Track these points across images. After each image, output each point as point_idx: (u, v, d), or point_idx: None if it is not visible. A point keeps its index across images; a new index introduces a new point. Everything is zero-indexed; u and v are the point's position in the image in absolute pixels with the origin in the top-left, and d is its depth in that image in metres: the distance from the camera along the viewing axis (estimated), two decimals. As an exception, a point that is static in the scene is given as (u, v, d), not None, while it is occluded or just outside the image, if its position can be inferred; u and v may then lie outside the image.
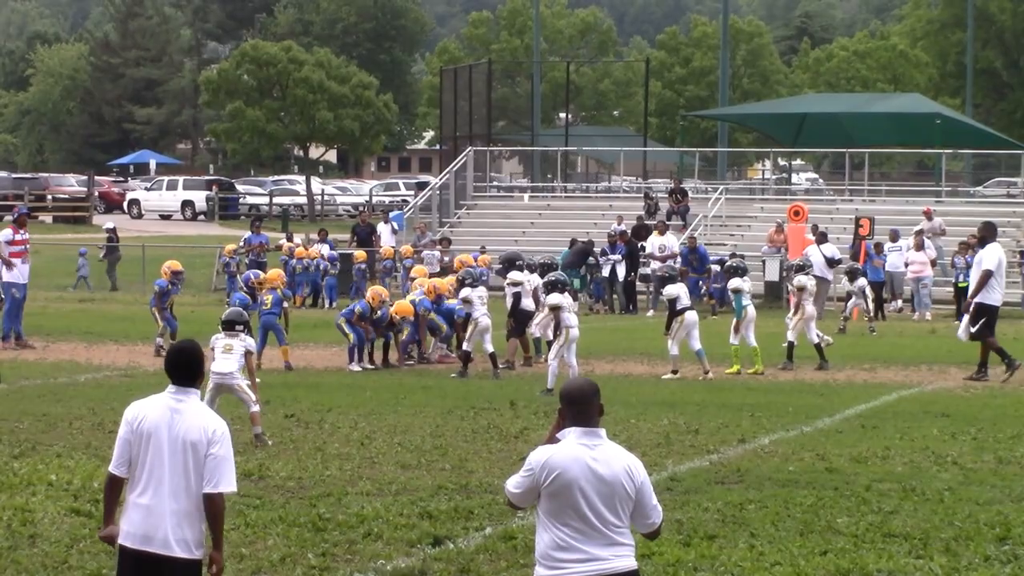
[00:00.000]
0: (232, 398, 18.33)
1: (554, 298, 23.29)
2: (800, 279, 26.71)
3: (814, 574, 11.82)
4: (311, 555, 12.20)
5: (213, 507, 8.40)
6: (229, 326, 18.34)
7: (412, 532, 12.96)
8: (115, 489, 8.56)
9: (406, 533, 12.93)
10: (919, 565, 12.02)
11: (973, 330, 24.53)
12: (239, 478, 15.19)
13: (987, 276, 24.37)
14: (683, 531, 13.04)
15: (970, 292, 25.04)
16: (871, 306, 35.29)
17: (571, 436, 7.78)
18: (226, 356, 18.05)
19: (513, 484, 7.82)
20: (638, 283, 41.19)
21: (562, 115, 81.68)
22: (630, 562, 7.76)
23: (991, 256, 24.62)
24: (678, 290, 25.39)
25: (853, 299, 35.46)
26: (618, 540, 7.73)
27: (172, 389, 8.49)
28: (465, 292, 25.58)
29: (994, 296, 24.74)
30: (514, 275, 26.77)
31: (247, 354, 18.20)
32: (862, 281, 35.24)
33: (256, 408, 17.90)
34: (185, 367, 8.52)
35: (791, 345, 26.42)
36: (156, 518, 8.30)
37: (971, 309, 24.63)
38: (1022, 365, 24.72)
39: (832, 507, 14.08)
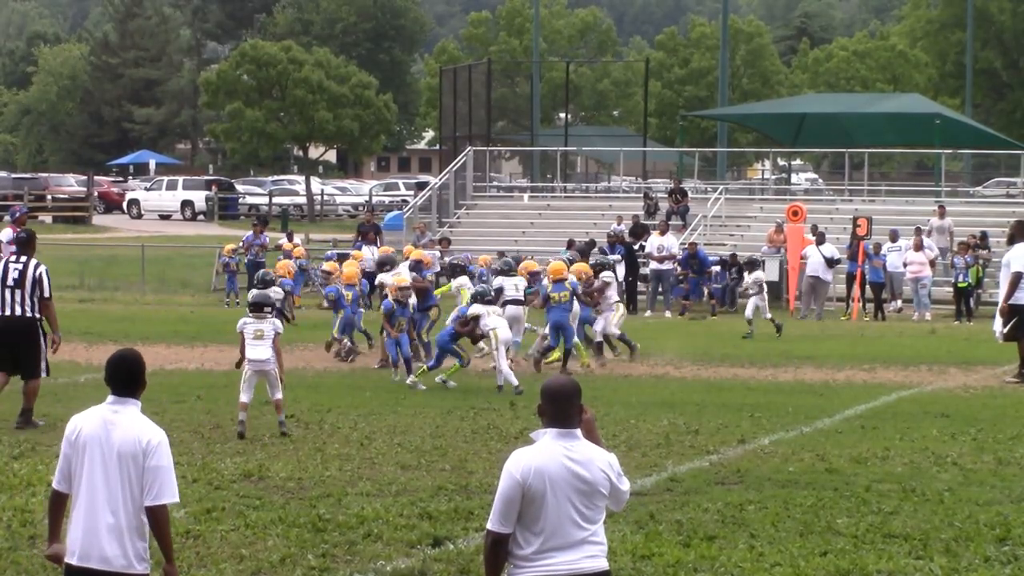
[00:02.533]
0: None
1: (474, 309, 23.86)
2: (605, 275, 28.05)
3: (814, 575, 11.82)
4: (311, 556, 12.20)
5: (156, 520, 8.22)
6: (257, 308, 18.74)
7: (412, 533, 12.96)
8: (59, 506, 8.45)
9: (406, 534, 12.93)
10: (919, 566, 12.03)
11: (1005, 331, 24.35)
12: (239, 478, 15.32)
13: (1018, 278, 24.02)
14: (683, 532, 13.04)
15: (1002, 295, 24.62)
16: (764, 305, 32.72)
17: (547, 437, 7.73)
18: (259, 343, 18.48)
19: (494, 510, 7.70)
20: (637, 283, 41.21)
21: (561, 115, 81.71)
22: (602, 563, 7.72)
23: (1019, 257, 24.22)
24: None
25: (752, 299, 32.82)
26: (590, 540, 7.69)
27: (110, 399, 8.33)
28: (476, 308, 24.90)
29: None
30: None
31: (276, 336, 18.58)
32: (759, 274, 33.74)
33: (280, 396, 18.41)
34: (125, 376, 8.34)
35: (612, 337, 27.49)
36: (94, 533, 8.18)
37: (1004, 310, 24.34)
38: None
39: (832, 508, 14.08)
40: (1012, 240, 24.83)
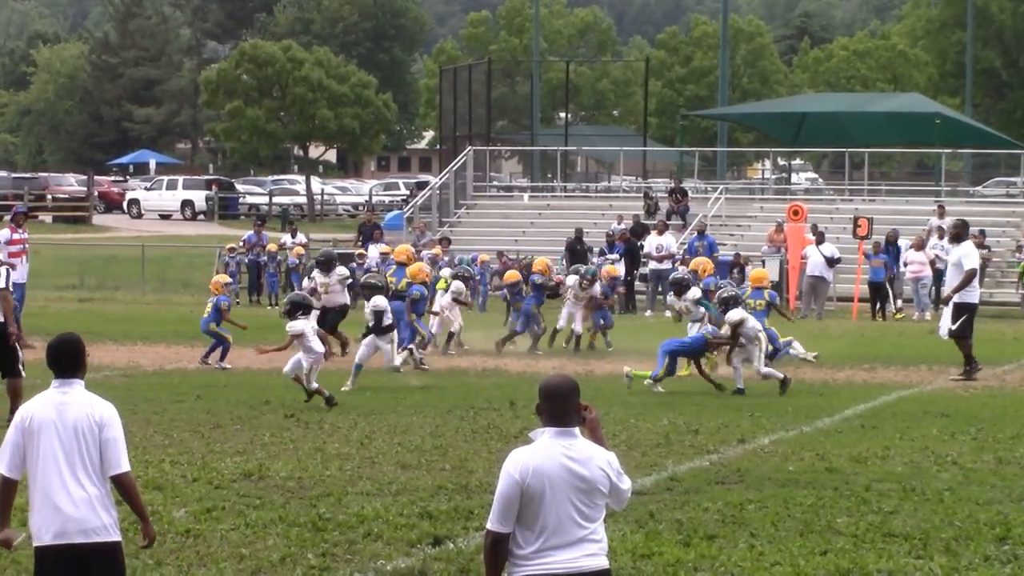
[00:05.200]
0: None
1: (736, 314, 22.94)
2: None
3: (814, 574, 11.82)
4: (311, 555, 12.20)
5: (122, 487, 8.60)
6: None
7: (412, 532, 12.96)
8: (8, 492, 8.78)
9: (406, 533, 12.93)
10: (919, 565, 12.02)
11: (954, 327, 24.54)
12: (239, 478, 15.35)
13: (972, 275, 24.40)
14: (683, 531, 13.04)
15: (951, 288, 24.83)
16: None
17: (545, 436, 7.73)
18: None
19: (493, 510, 7.71)
20: (636, 283, 41.22)
21: (561, 115, 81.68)
22: (601, 561, 7.72)
23: (970, 255, 24.65)
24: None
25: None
26: (590, 538, 7.69)
27: (56, 383, 8.65)
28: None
29: (974, 295, 24.82)
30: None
31: None
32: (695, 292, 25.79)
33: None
34: (67, 359, 8.67)
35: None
36: (68, 510, 8.47)
37: (951, 306, 24.67)
38: (981, 370, 24.75)
39: (832, 507, 14.08)
40: (959, 238, 25.01)
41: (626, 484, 7.81)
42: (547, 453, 7.67)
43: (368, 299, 23.19)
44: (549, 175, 60.84)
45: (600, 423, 7.92)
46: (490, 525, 7.70)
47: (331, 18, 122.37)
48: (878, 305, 39.02)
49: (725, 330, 23.02)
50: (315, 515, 13.49)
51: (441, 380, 24.43)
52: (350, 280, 27.59)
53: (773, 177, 74.27)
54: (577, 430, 7.75)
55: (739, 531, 13.09)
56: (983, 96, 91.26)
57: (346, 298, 27.23)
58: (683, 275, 26.34)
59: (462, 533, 12.94)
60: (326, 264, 27.27)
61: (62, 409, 8.55)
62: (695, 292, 25.03)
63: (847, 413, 20.61)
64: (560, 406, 7.74)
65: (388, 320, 23.01)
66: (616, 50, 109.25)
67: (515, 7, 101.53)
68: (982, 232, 40.93)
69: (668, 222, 44.80)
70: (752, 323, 23.05)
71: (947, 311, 24.91)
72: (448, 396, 22.16)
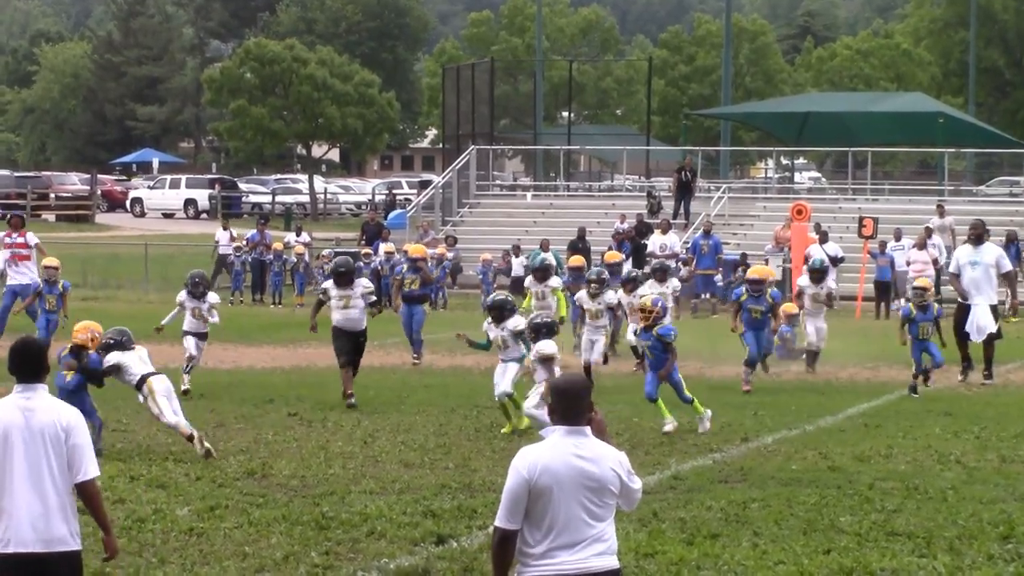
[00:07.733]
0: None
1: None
2: None
3: (817, 573, 11.82)
4: (314, 553, 12.21)
5: (86, 495, 8.48)
6: None
7: (415, 531, 12.96)
8: None
9: (409, 532, 12.93)
10: (922, 564, 12.02)
11: (994, 330, 24.42)
12: (242, 476, 15.36)
13: (1015, 276, 24.44)
14: (686, 530, 13.05)
15: (980, 290, 24.60)
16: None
17: (555, 434, 7.74)
18: None
19: (501, 507, 7.69)
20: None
21: (564, 113, 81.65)
22: (611, 561, 7.72)
23: (1005, 255, 24.95)
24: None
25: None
26: (599, 538, 7.69)
27: (19, 387, 8.53)
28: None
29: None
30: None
31: None
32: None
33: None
34: (30, 364, 8.56)
35: None
36: (29, 519, 8.33)
37: (985, 307, 24.45)
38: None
39: (835, 506, 14.08)
40: (980, 239, 24.83)
41: (637, 484, 7.83)
42: (557, 451, 7.67)
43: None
44: (552, 174, 60.83)
45: (606, 424, 7.93)
46: (498, 522, 7.69)
47: (334, 17, 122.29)
48: (883, 304, 39.03)
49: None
50: (318, 513, 13.50)
51: (444, 379, 24.43)
52: (373, 297, 21.91)
53: (776, 176, 74.22)
54: (588, 429, 7.75)
55: (742, 530, 13.09)
56: (986, 95, 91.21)
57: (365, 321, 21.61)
58: (505, 297, 20.18)
59: (465, 532, 12.94)
60: (346, 276, 21.34)
61: (28, 415, 8.41)
62: (517, 321, 19.37)
63: (850, 412, 20.61)
64: (572, 405, 7.75)
65: (132, 377, 17.25)
66: (619, 49, 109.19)
67: (517, 6, 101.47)
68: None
69: (672, 221, 44.77)
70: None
71: (983, 312, 24.43)
72: (451, 395, 22.16)
